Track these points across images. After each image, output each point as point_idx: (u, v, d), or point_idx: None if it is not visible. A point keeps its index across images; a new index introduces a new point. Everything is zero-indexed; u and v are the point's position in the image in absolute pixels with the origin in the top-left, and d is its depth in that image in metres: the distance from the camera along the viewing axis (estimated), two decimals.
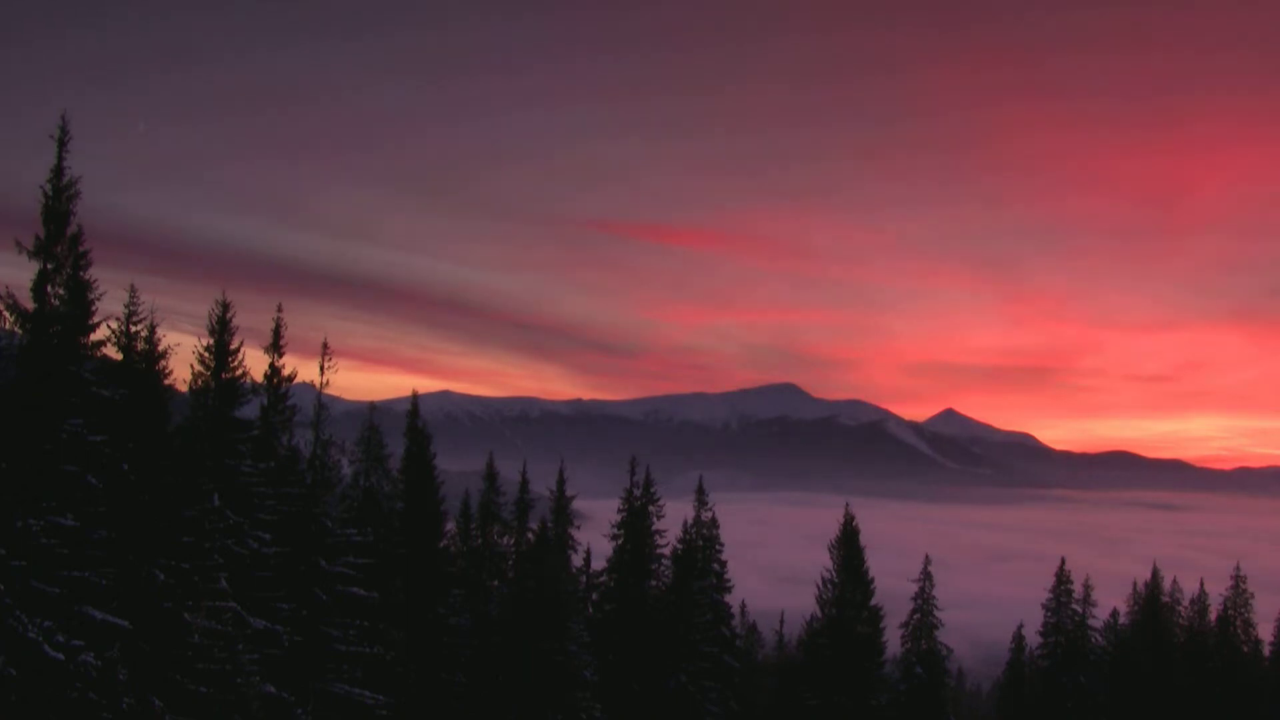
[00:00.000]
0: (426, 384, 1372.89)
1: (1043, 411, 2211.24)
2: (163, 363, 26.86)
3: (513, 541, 55.29)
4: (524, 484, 55.54)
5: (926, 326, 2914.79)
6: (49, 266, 23.11)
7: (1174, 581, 77.02)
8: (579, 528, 56.36)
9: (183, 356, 32.54)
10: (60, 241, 23.20)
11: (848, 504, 57.76)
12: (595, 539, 56.10)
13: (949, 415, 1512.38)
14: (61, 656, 20.38)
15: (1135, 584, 75.86)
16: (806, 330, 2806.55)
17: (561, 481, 54.23)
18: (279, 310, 33.99)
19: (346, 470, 41.67)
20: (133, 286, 26.45)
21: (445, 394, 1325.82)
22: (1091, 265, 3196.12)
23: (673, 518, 56.18)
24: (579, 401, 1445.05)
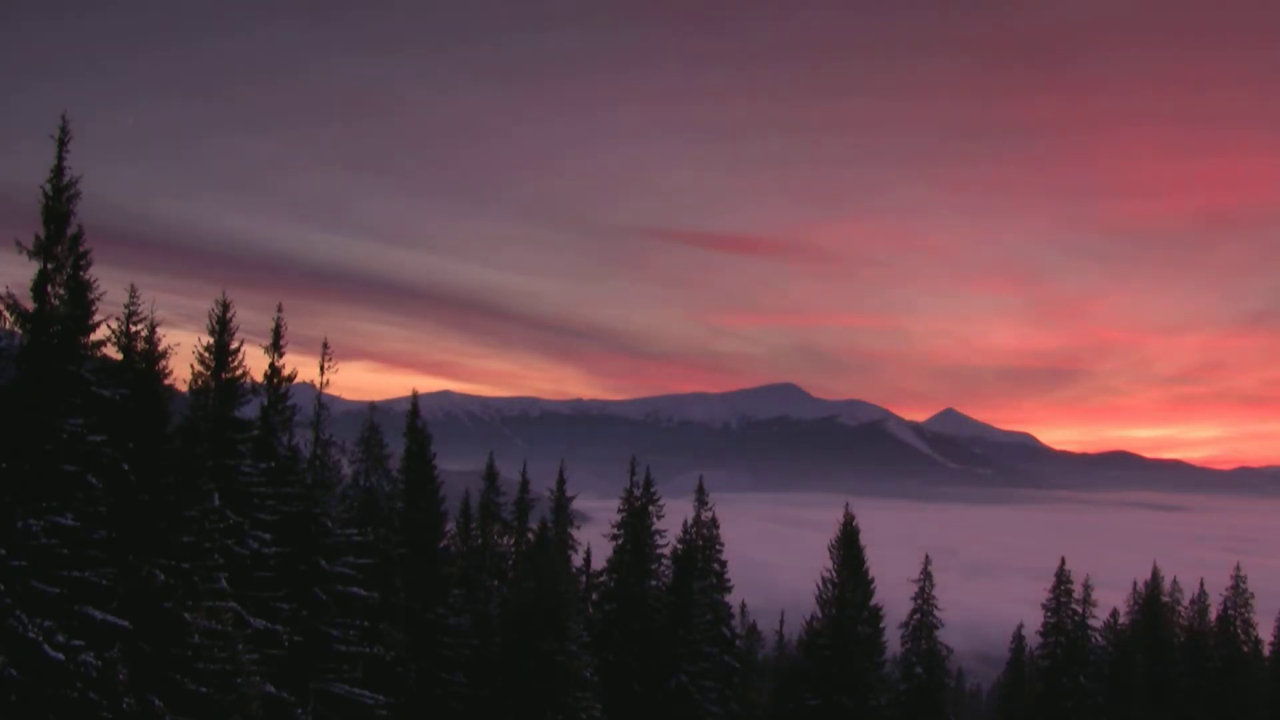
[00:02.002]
0: (441, 385, 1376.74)
1: (1056, 414, 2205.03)
2: (163, 363, 26.82)
3: (513, 541, 55.33)
4: (524, 484, 55.57)
5: (949, 329, 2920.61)
6: (49, 266, 23.08)
7: (1174, 581, 77.05)
8: (579, 528, 56.39)
9: (184, 356, 32.57)
10: (60, 241, 23.17)
11: (848, 504, 57.78)
12: (595, 539, 56.13)
13: (949, 415, 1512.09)
14: (61, 656, 20.37)
15: (1135, 584, 75.88)
16: (829, 333, 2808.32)
17: (561, 481, 54.27)
18: (279, 310, 34.03)
19: (346, 470, 41.68)
20: (133, 286, 26.41)
21: (445, 394, 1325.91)
22: (1118, 269, 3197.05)
23: (673, 518, 56.20)
24: (579, 401, 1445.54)
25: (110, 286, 24.68)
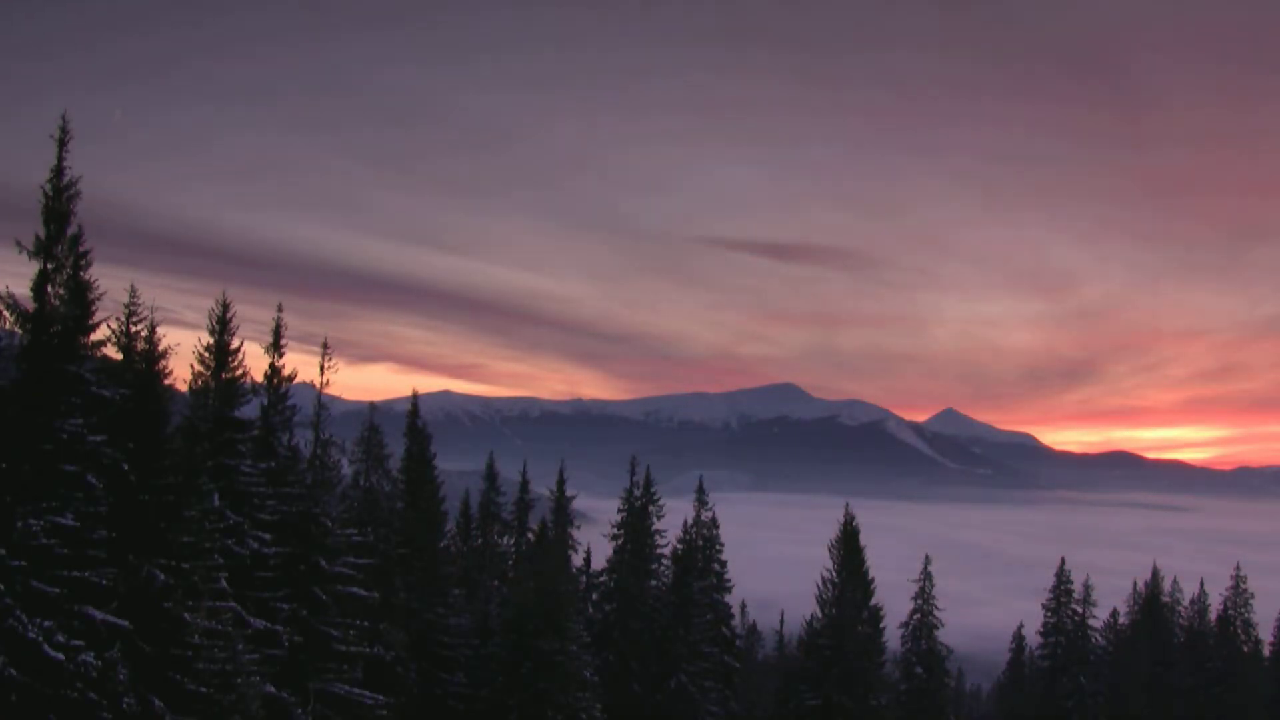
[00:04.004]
0: (463, 388, 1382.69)
1: (1067, 416, 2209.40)
2: (163, 363, 26.78)
3: (513, 541, 55.36)
4: (524, 484, 55.64)
5: (972, 332, 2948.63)
6: (49, 266, 23.05)
7: (1174, 582, 77.09)
8: (579, 528, 56.39)
9: (184, 356, 32.61)
10: (60, 241, 23.13)
11: (848, 504, 57.67)
12: (595, 539, 56.12)
13: (949, 415, 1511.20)
14: (61, 656, 20.36)
15: (1135, 584, 75.92)
16: (853, 336, 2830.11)
17: (561, 481, 54.25)
18: (279, 310, 33.99)
19: (346, 470, 41.63)
20: (133, 286, 26.36)
21: (445, 394, 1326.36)
22: (1144, 275, 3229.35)
23: (673, 518, 56.20)
24: (579, 401, 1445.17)
25: (114, 285, 24.68)
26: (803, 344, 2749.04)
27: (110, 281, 24.30)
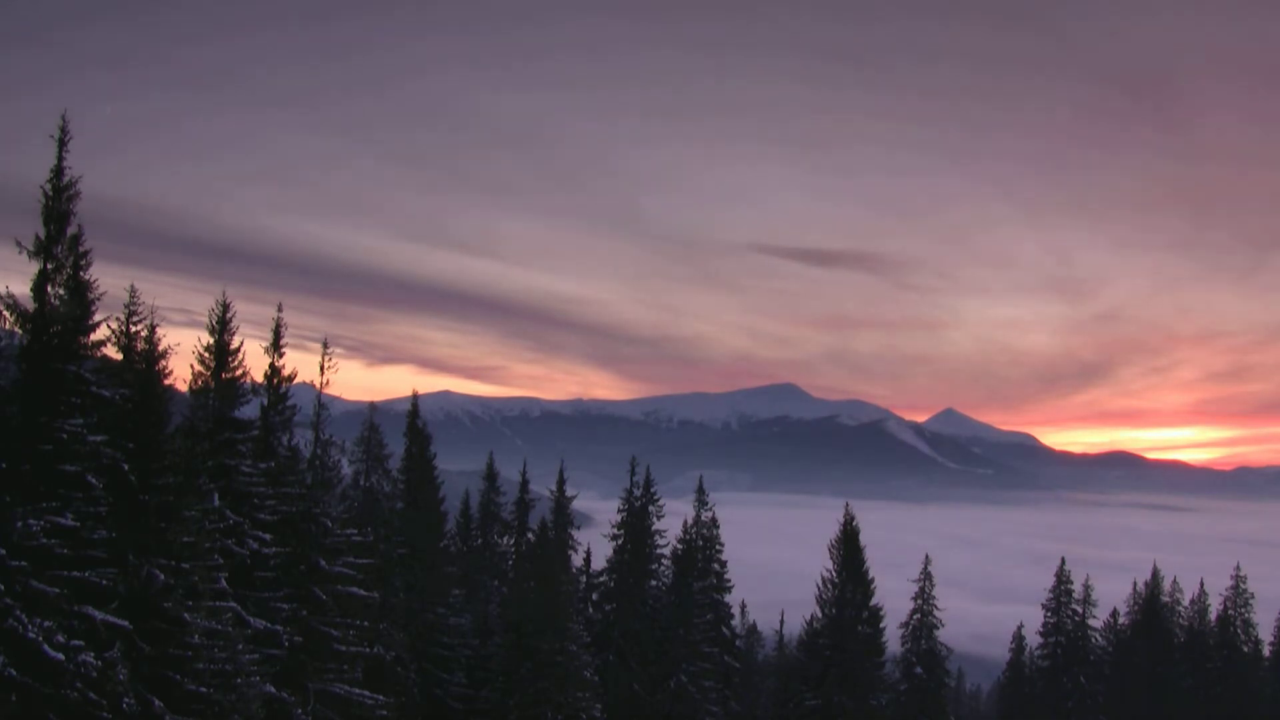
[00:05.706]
0: (480, 390, 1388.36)
1: (1074, 417, 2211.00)
2: (163, 363, 26.76)
3: (513, 541, 55.37)
4: (524, 484, 55.67)
5: (991, 335, 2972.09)
6: (49, 266, 23.04)
7: (1174, 582, 77.09)
8: (579, 528, 56.42)
9: (184, 356, 32.62)
10: (60, 241, 23.12)
11: (848, 504, 57.69)
12: (595, 539, 56.14)
13: (949, 415, 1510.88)
14: (61, 656, 20.35)
15: (1135, 584, 75.93)
16: (869, 338, 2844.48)
17: (561, 481, 54.26)
18: (279, 310, 33.97)
19: (346, 470, 41.61)
20: (133, 286, 26.36)
21: (445, 394, 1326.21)
22: (1165, 280, 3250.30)
23: (673, 518, 56.22)
24: (579, 401, 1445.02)
25: (114, 285, 24.64)
26: (823, 347, 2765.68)
27: (110, 281, 24.29)
